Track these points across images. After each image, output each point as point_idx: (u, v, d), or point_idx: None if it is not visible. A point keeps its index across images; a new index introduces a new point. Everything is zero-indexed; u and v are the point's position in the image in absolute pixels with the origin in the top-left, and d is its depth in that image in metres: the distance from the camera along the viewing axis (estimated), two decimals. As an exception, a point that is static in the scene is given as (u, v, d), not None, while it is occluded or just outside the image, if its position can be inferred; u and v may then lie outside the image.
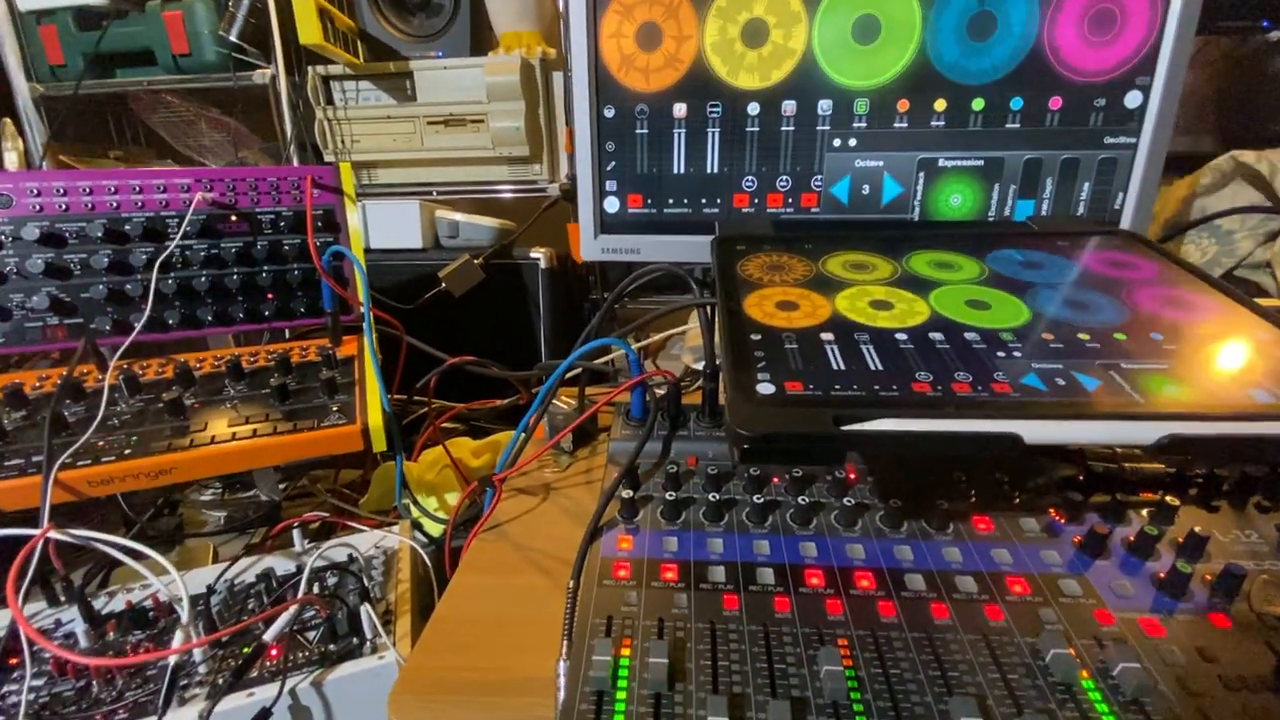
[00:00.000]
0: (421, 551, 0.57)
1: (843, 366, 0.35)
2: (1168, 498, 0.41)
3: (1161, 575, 0.36)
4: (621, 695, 0.31)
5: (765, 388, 0.34)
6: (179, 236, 0.64)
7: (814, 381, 0.34)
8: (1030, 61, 0.55)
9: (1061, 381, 0.33)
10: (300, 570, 0.52)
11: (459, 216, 1.01)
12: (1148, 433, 0.30)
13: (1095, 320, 0.38)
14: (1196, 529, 0.37)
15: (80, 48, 1.11)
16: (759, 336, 0.38)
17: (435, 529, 0.64)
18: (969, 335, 0.38)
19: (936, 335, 0.38)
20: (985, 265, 0.45)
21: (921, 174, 0.60)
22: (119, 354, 0.60)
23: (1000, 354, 0.36)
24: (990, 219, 0.59)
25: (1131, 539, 0.38)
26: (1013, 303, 0.40)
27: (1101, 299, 0.40)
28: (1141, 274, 0.42)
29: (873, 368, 0.35)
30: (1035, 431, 0.29)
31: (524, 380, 0.78)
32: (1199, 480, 0.43)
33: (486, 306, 0.99)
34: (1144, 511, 0.41)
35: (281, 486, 0.78)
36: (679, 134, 0.62)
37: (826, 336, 0.38)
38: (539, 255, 0.99)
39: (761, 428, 0.30)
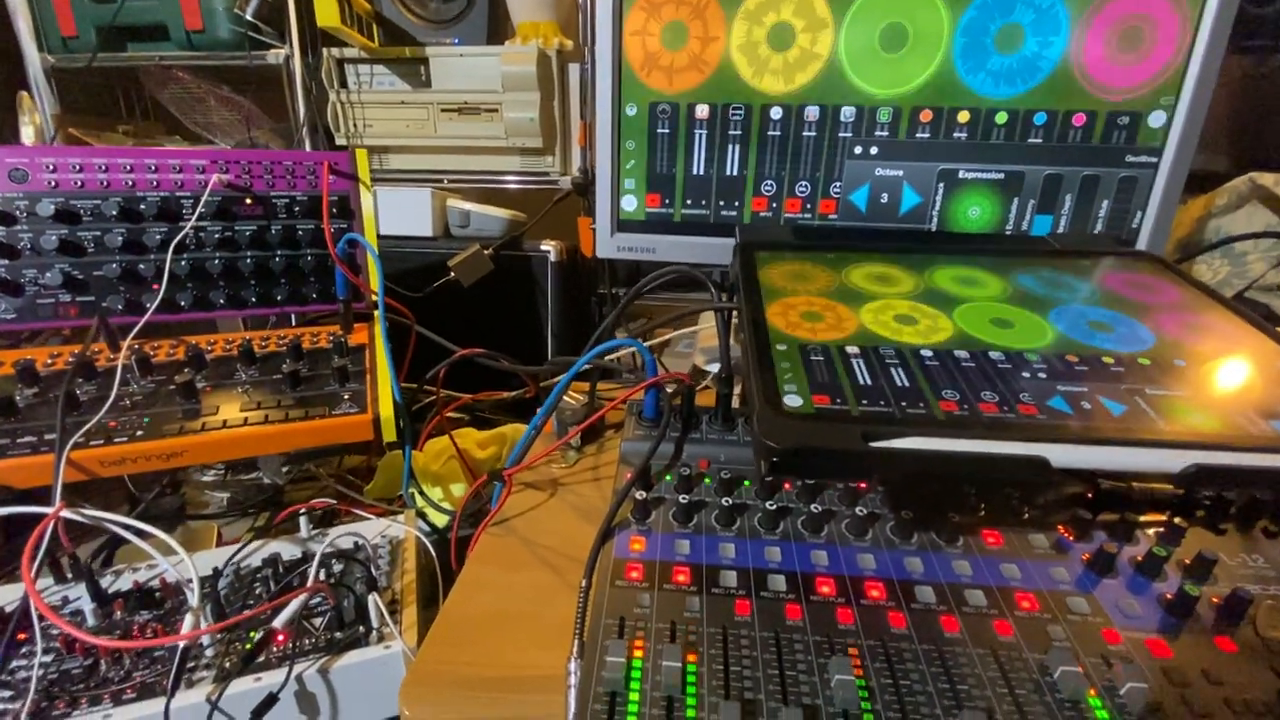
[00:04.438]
0: (426, 542, 0.57)
1: (869, 382, 0.35)
2: (1176, 519, 0.41)
3: (1169, 596, 0.36)
4: (634, 697, 0.31)
5: (793, 400, 0.34)
6: (194, 218, 0.64)
7: (840, 396, 0.34)
8: (1056, 77, 0.55)
9: (1087, 405, 0.33)
10: (307, 557, 0.53)
11: (470, 206, 1.01)
12: (1173, 461, 0.30)
13: (1119, 344, 0.38)
14: (1204, 551, 0.38)
15: (93, 19, 1.10)
16: (784, 347, 0.38)
17: (440, 519, 0.65)
18: (994, 354, 0.38)
19: (961, 353, 0.38)
20: (1009, 282, 0.45)
21: (941, 185, 0.60)
22: (134, 334, 0.60)
23: (1025, 374, 0.36)
24: (1007, 232, 0.59)
25: (1140, 559, 0.38)
26: (1036, 322, 0.40)
27: (1125, 322, 0.40)
28: (1165, 298, 0.43)
29: (899, 384, 0.35)
30: (1062, 455, 0.30)
31: (533, 374, 0.78)
32: (1206, 503, 0.43)
33: (494, 297, 0.99)
34: (1151, 532, 0.41)
35: (285, 470, 0.78)
36: (700, 135, 0.61)
37: (852, 350, 0.38)
38: (549, 248, 0.99)
39: (790, 441, 0.30)
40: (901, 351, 0.38)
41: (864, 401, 0.34)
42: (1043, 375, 0.36)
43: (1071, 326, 0.41)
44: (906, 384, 0.35)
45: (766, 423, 0.32)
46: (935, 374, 0.37)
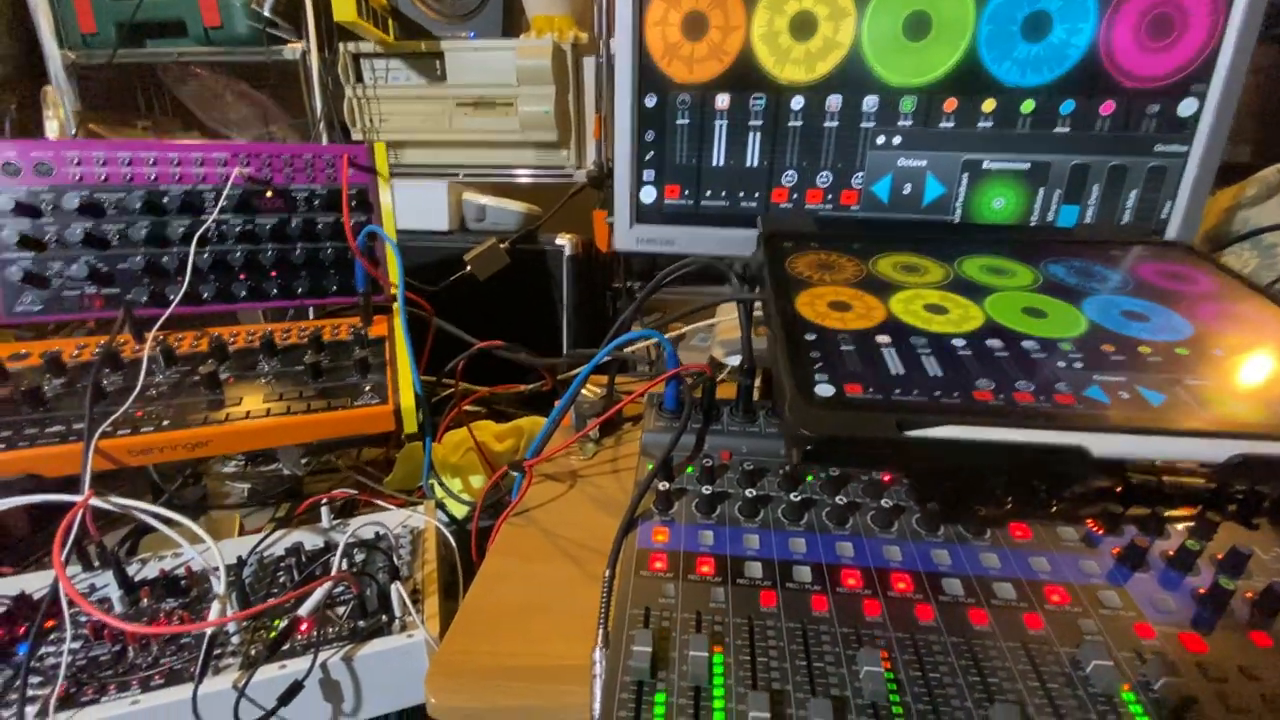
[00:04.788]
0: (446, 533, 0.57)
1: (901, 371, 0.35)
2: (1208, 513, 0.40)
3: (1202, 591, 0.36)
4: (661, 687, 0.31)
5: (824, 389, 0.33)
6: (216, 211, 0.64)
7: (873, 385, 0.34)
8: (1084, 65, 0.54)
9: (1125, 395, 0.33)
10: (329, 546, 0.53)
11: (486, 200, 1.01)
12: (1217, 451, 0.29)
13: (1155, 333, 0.38)
14: (1238, 546, 0.37)
15: (112, 16, 1.11)
16: (814, 336, 0.38)
17: (459, 510, 0.65)
18: (1027, 344, 0.37)
19: (994, 342, 0.38)
20: (1039, 272, 0.44)
21: (965, 175, 0.59)
22: (158, 325, 0.60)
23: (1061, 364, 0.35)
24: (1032, 224, 0.58)
25: (1172, 553, 0.38)
26: (1070, 312, 0.40)
27: (1160, 312, 0.40)
28: (1200, 288, 0.42)
29: (931, 373, 0.35)
30: (1103, 445, 0.29)
31: (551, 367, 0.78)
32: (1239, 497, 0.42)
33: (510, 291, 0.99)
34: (1183, 526, 0.41)
35: (304, 462, 0.79)
36: (720, 125, 0.61)
37: (882, 339, 0.38)
38: (564, 242, 0.99)
39: (824, 429, 0.30)
40: (933, 340, 0.38)
41: (897, 390, 0.34)
42: (1078, 365, 0.36)
43: (1106, 316, 0.40)
44: (939, 373, 0.35)
45: (799, 412, 0.32)
46: (968, 363, 0.36)
